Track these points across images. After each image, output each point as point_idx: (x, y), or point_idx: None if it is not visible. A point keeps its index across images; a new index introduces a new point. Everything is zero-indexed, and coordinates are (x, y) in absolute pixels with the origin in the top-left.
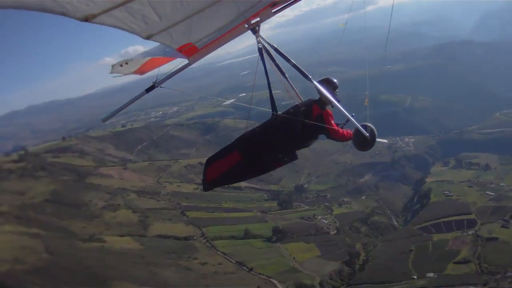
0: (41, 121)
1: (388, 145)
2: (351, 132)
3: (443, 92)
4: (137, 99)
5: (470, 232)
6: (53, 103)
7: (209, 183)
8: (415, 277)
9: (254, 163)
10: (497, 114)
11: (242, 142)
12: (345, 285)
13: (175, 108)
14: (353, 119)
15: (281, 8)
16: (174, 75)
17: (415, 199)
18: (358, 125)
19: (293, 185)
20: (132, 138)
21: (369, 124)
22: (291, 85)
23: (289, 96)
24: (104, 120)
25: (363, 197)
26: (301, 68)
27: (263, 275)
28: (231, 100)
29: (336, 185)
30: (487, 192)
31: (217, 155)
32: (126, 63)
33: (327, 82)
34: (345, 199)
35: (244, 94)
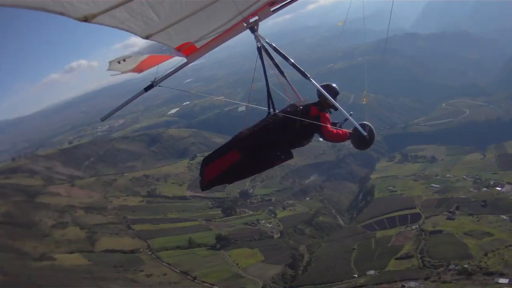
0: None
1: (332, 144)
2: (347, 132)
3: (387, 87)
4: (135, 98)
5: (413, 227)
6: (1, 123)
7: (207, 183)
8: (356, 275)
9: (253, 161)
10: (443, 104)
11: (240, 140)
12: None
13: (121, 121)
14: (351, 118)
15: (280, 7)
16: (172, 74)
17: (360, 197)
18: (357, 124)
19: (238, 191)
20: (79, 154)
21: (367, 123)
22: (289, 84)
23: (287, 95)
24: (103, 119)
25: (308, 199)
26: (300, 67)
27: (207, 283)
28: (176, 109)
29: (281, 188)
30: (432, 185)
31: (214, 154)
32: (124, 60)
33: (327, 88)
34: (289, 202)
35: (188, 103)
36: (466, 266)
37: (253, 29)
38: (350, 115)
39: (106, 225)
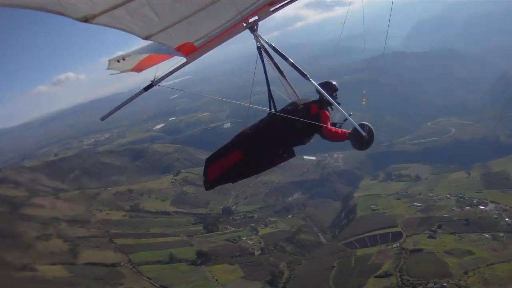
0: None
1: (316, 162)
2: (347, 132)
3: (374, 105)
4: (135, 98)
5: (394, 245)
6: None
7: (211, 183)
8: None
9: (256, 160)
10: (429, 123)
11: (242, 140)
12: None
13: (107, 135)
14: (350, 119)
15: (279, 7)
16: (172, 73)
17: (343, 215)
18: (356, 125)
19: (221, 207)
20: (64, 167)
21: (367, 123)
22: (289, 83)
23: (287, 94)
24: (103, 119)
25: (290, 216)
26: (299, 67)
27: None
28: (161, 125)
29: (264, 205)
30: (415, 203)
31: (217, 154)
32: (124, 59)
33: (326, 85)
34: (271, 219)
35: (174, 118)
36: (445, 284)
37: (252, 29)
38: (350, 115)
39: (88, 238)
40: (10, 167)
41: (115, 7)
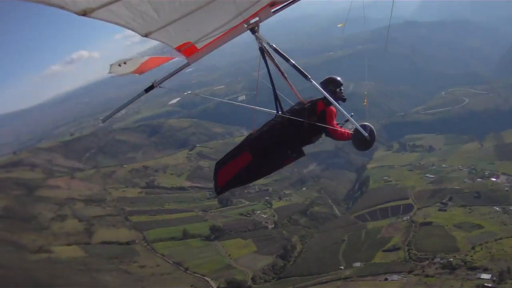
0: None
1: None
2: (349, 132)
3: (387, 75)
4: (136, 99)
5: (405, 218)
6: (4, 116)
7: (221, 187)
8: (342, 267)
9: (265, 162)
10: (443, 93)
11: (251, 142)
12: (275, 279)
13: (123, 111)
14: (352, 119)
15: (280, 8)
16: (173, 75)
17: (356, 187)
18: (357, 125)
19: None
20: (80, 146)
21: (368, 124)
22: (290, 84)
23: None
24: (104, 120)
25: (304, 188)
26: (301, 68)
27: (198, 273)
28: (177, 99)
29: (280, 177)
30: (427, 175)
31: (226, 158)
32: (125, 63)
33: (331, 81)
34: (286, 192)
35: (189, 92)
36: (451, 259)
37: (253, 30)
38: (351, 116)
39: (104, 217)
40: (26, 149)
41: (114, 1)
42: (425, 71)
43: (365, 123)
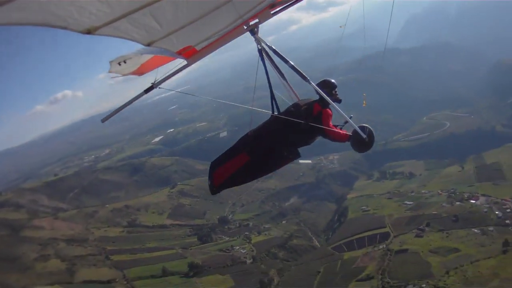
0: None
1: (312, 165)
2: (348, 134)
3: (369, 105)
4: (136, 100)
5: (381, 246)
6: None
7: (217, 187)
8: None
9: (262, 162)
10: (424, 118)
11: (248, 142)
12: None
13: (107, 150)
14: (351, 121)
15: (280, 10)
16: (173, 75)
17: (335, 218)
18: (356, 127)
19: (217, 217)
20: (64, 186)
21: (367, 126)
22: (289, 85)
23: (289, 96)
24: (103, 120)
25: (284, 222)
26: (299, 70)
27: None
28: (160, 137)
29: (260, 212)
30: (405, 202)
31: (222, 158)
32: (125, 62)
33: (325, 83)
34: (265, 226)
35: (172, 130)
36: (423, 286)
37: (253, 31)
38: (350, 118)
39: (85, 256)
40: (11, 189)
41: (117, 19)
42: (407, 97)
43: (364, 125)
